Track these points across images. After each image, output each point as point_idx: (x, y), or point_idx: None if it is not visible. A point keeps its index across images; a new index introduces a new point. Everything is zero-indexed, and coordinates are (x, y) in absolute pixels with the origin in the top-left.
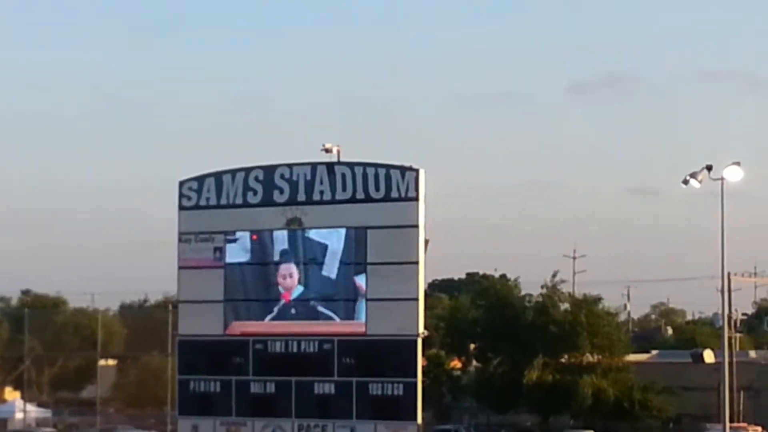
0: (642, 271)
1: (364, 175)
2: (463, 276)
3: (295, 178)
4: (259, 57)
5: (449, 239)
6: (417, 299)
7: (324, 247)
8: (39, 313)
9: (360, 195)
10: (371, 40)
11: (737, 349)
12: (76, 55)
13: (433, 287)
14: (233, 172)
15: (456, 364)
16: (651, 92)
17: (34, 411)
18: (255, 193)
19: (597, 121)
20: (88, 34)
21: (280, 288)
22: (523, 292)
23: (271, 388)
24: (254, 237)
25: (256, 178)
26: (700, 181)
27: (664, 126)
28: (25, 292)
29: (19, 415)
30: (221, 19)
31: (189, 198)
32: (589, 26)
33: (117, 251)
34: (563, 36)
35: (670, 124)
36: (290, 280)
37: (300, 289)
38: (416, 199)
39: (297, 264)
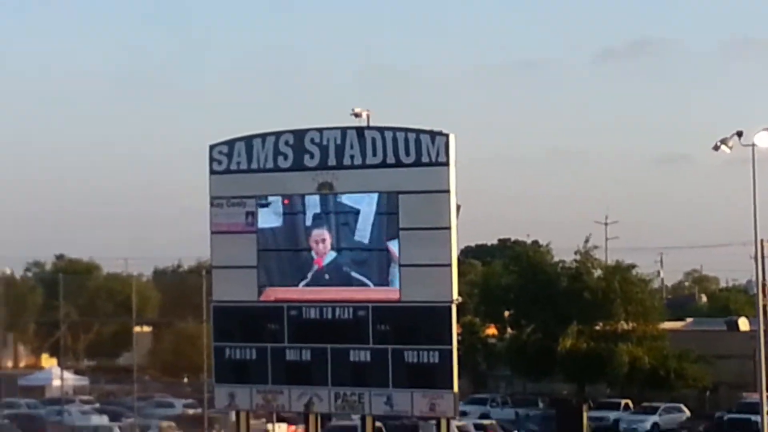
0: (674, 239)
1: (394, 140)
2: (496, 242)
3: (325, 142)
4: (288, 25)
5: (481, 205)
6: (450, 265)
7: (356, 212)
8: (73, 278)
9: (390, 160)
10: (399, 9)
11: None
12: (103, 28)
13: (466, 253)
14: (263, 137)
15: (491, 331)
16: (681, 58)
17: (71, 378)
18: (285, 157)
19: (626, 88)
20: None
21: (313, 253)
22: (555, 259)
23: (306, 355)
24: (286, 201)
25: (287, 143)
26: (730, 147)
27: (695, 92)
28: (59, 257)
29: (56, 383)
30: None
31: (219, 162)
32: None
33: (149, 216)
34: (591, 2)
35: (701, 91)
36: (323, 245)
37: (333, 254)
38: (447, 164)
39: (329, 229)
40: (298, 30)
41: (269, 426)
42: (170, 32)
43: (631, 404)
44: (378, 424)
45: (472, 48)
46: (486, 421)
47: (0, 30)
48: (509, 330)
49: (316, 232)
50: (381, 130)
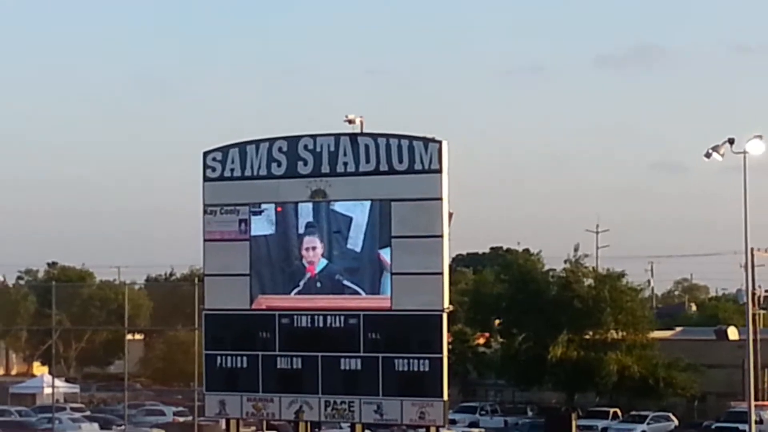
0: (666, 247)
1: (387, 147)
2: (488, 250)
3: (318, 149)
4: (285, 31)
5: (474, 213)
6: (442, 273)
7: (348, 220)
8: (66, 286)
9: (383, 167)
10: (399, 12)
11: (761, 326)
12: (107, 35)
13: (458, 261)
14: (257, 143)
15: (481, 339)
16: (678, 66)
17: (62, 386)
18: (279, 164)
19: (623, 94)
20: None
21: (305, 261)
22: (546, 267)
23: (297, 363)
24: (279, 209)
25: (280, 149)
26: (722, 155)
27: (690, 99)
28: (52, 265)
29: (47, 391)
30: None
31: (213, 169)
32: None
33: (143, 224)
34: (590, 9)
35: (697, 98)
36: (313, 252)
37: (324, 262)
38: (440, 171)
39: (321, 237)
40: (294, 35)
41: None
42: (168, 38)
43: (619, 413)
44: None
45: (472, 54)
46: (475, 430)
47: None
48: (499, 338)
49: (308, 240)
50: (374, 136)
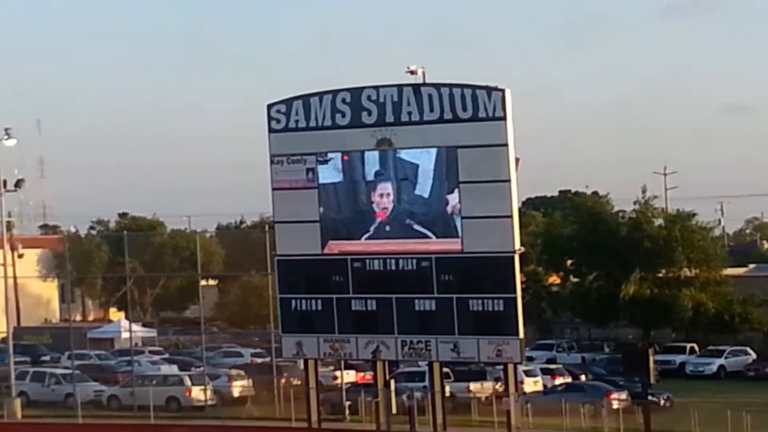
0: (735, 187)
1: (451, 96)
2: (556, 194)
3: (382, 99)
4: None
5: (541, 157)
6: (511, 216)
7: (415, 167)
8: (138, 235)
9: (448, 115)
10: None
11: None
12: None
13: (527, 205)
14: (320, 95)
15: (554, 279)
16: (746, 11)
17: (139, 331)
18: (343, 114)
19: (690, 40)
20: None
21: (375, 207)
22: (615, 209)
23: (372, 305)
24: (345, 158)
25: (344, 100)
26: None
27: (761, 45)
28: (122, 215)
29: (125, 335)
30: None
31: (278, 121)
32: None
33: (210, 173)
34: None
35: (765, 40)
36: (386, 199)
37: (394, 207)
38: (504, 118)
39: (391, 183)
40: None
41: (337, 373)
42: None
43: (696, 348)
44: (445, 369)
45: (534, 8)
46: (553, 366)
47: None
48: (572, 278)
49: (381, 186)
50: (437, 86)
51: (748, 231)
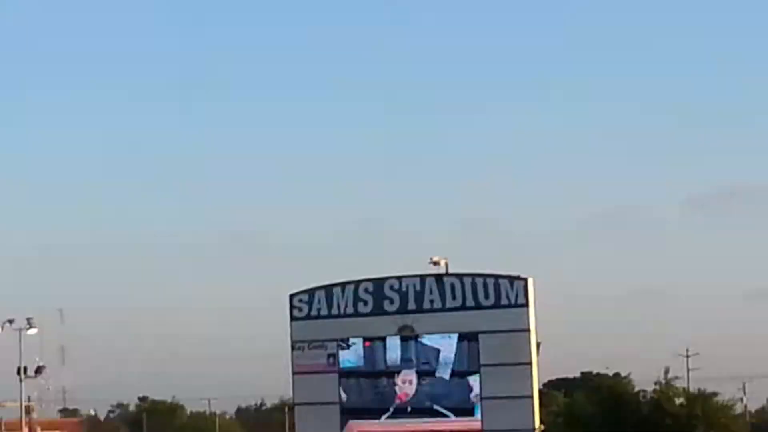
0: (758, 369)
1: (473, 285)
2: (578, 375)
3: (404, 289)
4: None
5: (564, 341)
6: (531, 396)
7: (437, 352)
8: (157, 417)
9: (470, 303)
10: (488, 164)
11: None
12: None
13: (548, 386)
14: (343, 285)
15: None
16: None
17: None
18: (365, 303)
19: (715, 232)
20: None
21: (397, 389)
22: (637, 389)
23: None
24: (367, 343)
25: (366, 290)
26: None
27: None
28: (142, 399)
29: None
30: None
31: (300, 309)
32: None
33: (231, 359)
34: (678, 150)
35: None
36: (408, 384)
37: (414, 389)
38: (526, 305)
39: (413, 369)
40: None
41: None
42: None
43: None
44: None
45: (559, 199)
46: None
47: None
48: None
49: (403, 373)
50: (460, 276)
51: None
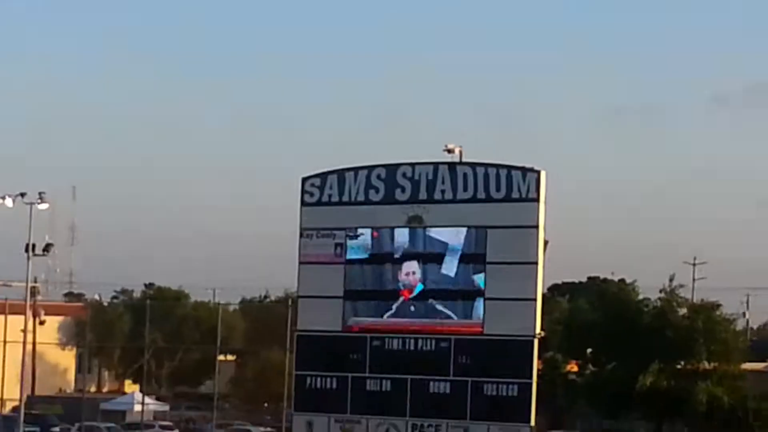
0: (764, 280)
1: (486, 176)
2: (585, 279)
3: (416, 177)
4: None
5: (572, 242)
6: (535, 299)
7: (444, 245)
8: (160, 305)
9: (481, 195)
10: (508, 46)
11: None
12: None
13: (553, 290)
14: (356, 170)
15: (572, 367)
16: None
17: (152, 404)
18: (377, 190)
19: (736, 134)
20: None
21: (401, 285)
22: (641, 296)
23: (386, 385)
24: (375, 234)
25: (379, 176)
26: None
27: None
28: (149, 286)
29: (137, 408)
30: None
31: (311, 194)
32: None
33: (239, 246)
34: (706, 47)
35: None
36: (413, 277)
37: (420, 286)
38: (537, 200)
39: (418, 261)
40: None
41: None
42: (269, 71)
43: None
44: None
45: (582, 93)
46: None
47: None
48: (590, 367)
49: (407, 265)
50: (473, 165)
51: None
